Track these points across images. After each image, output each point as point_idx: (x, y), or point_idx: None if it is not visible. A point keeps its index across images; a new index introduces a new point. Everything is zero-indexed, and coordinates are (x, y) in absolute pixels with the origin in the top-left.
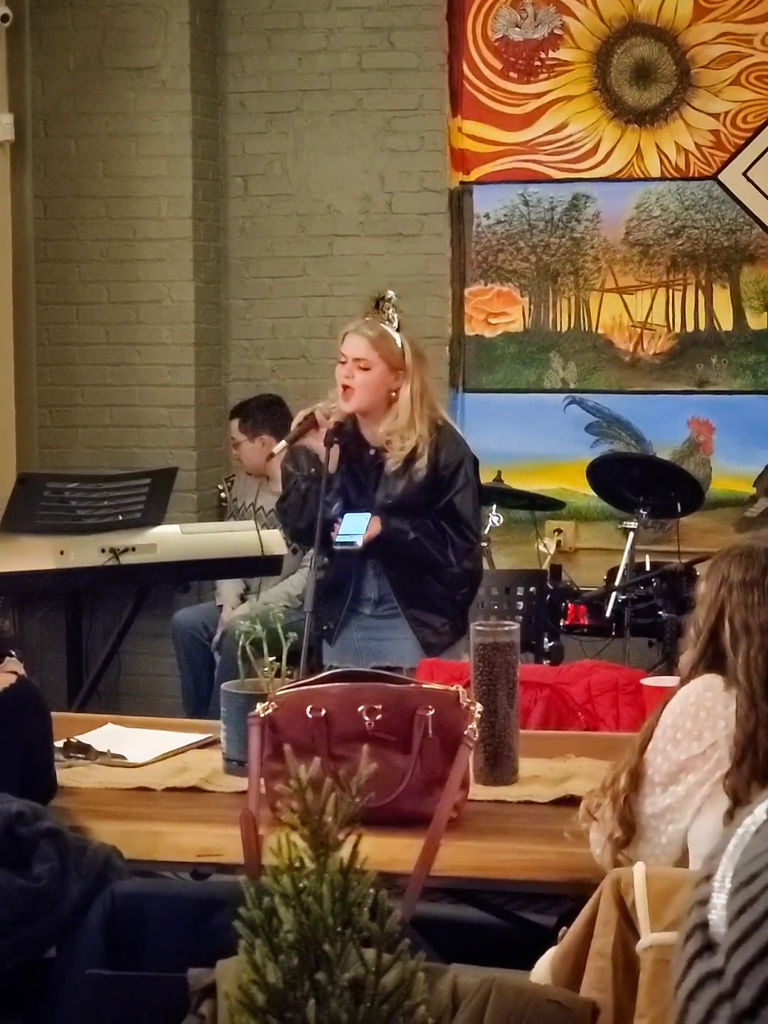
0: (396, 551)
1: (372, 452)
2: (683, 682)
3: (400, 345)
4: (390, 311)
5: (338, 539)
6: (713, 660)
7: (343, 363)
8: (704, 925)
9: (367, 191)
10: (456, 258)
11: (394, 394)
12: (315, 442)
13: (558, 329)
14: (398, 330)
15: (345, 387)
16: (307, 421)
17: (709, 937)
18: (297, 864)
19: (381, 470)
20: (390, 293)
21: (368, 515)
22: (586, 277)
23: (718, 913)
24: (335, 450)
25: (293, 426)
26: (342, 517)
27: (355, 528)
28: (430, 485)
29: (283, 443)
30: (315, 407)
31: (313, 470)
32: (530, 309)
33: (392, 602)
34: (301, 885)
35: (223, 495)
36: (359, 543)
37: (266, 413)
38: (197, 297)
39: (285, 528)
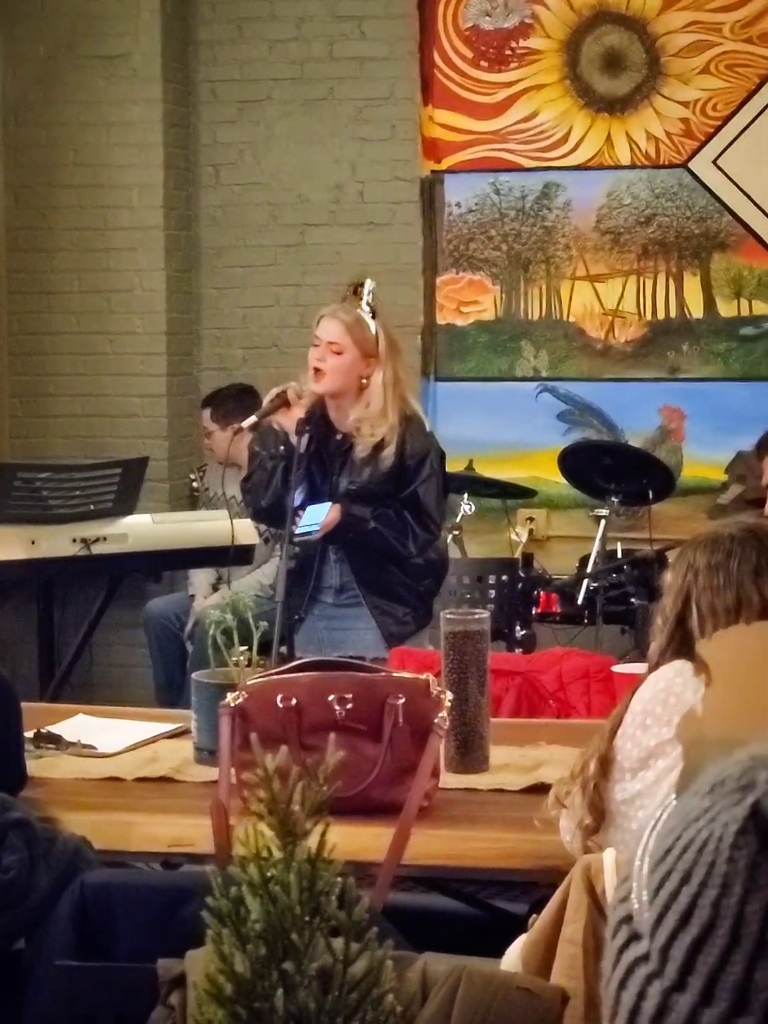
0: (355, 539)
1: (339, 437)
2: (652, 669)
3: (374, 332)
4: (368, 298)
5: (298, 530)
6: (681, 646)
7: (316, 346)
8: (627, 918)
9: (338, 180)
10: (428, 247)
11: (365, 381)
12: (285, 420)
13: (530, 317)
14: (374, 318)
15: (317, 369)
16: (278, 398)
17: (633, 928)
18: (265, 853)
19: (348, 455)
20: (369, 282)
21: (328, 505)
22: (557, 265)
23: (638, 900)
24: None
25: (265, 402)
26: (304, 509)
27: (314, 517)
28: (395, 474)
29: (252, 418)
30: (287, 385)
31: (282, 447)
32: (502, 297)
33: (354, 590)
34: (268, 874)
35: (195, 484)
36: (317, 532)
37: (238, 402)
38: (169, 286)
39: (248, 507)
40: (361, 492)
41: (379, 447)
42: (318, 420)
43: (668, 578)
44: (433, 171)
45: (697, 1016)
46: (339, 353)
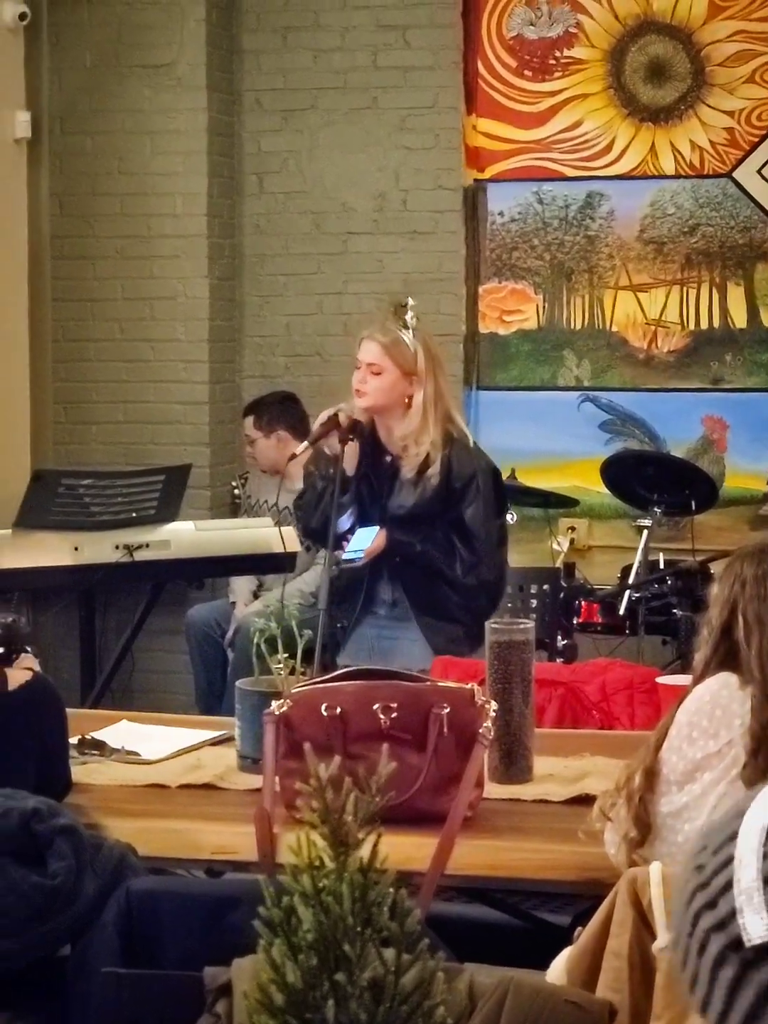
0: (404, 561)
1: (388, 458)
2: (697, 680)
3: (413, 351)
4: (408, 317)
5: (344, 556)
6: (727, 657)
7: (358, 368)
8: (703, 885)
9: (382, 188)
10: (470, 256)
11: (408, 400)
12: (337, 443)
13: (572, 327)
14: (414, 336)
15: (358, 391)
16: (329, 422)
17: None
18: (317, 863)
19: (396, 477)
20: (410, 300)
21: (375, 529)
22: (600, 275)
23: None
24: (352, 449)
25: (315, 427)
26: (352, 534)
27: (360, 543)
28: (442, 497)
29: (305, 444)
30: (338, 408)
31: (331, 470)
32: (544, 306)
33: (404, 606)
34: (321, 884)
35: (237, 492)
36: (361, 558)
37: (280, 410)
38: (212, 294)
39: (298, 525)
40: (409, 517)
41: (424, 468)
42: (365, 433)
43: (715, 589)
44: (476, 180)
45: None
46: (378, 374)
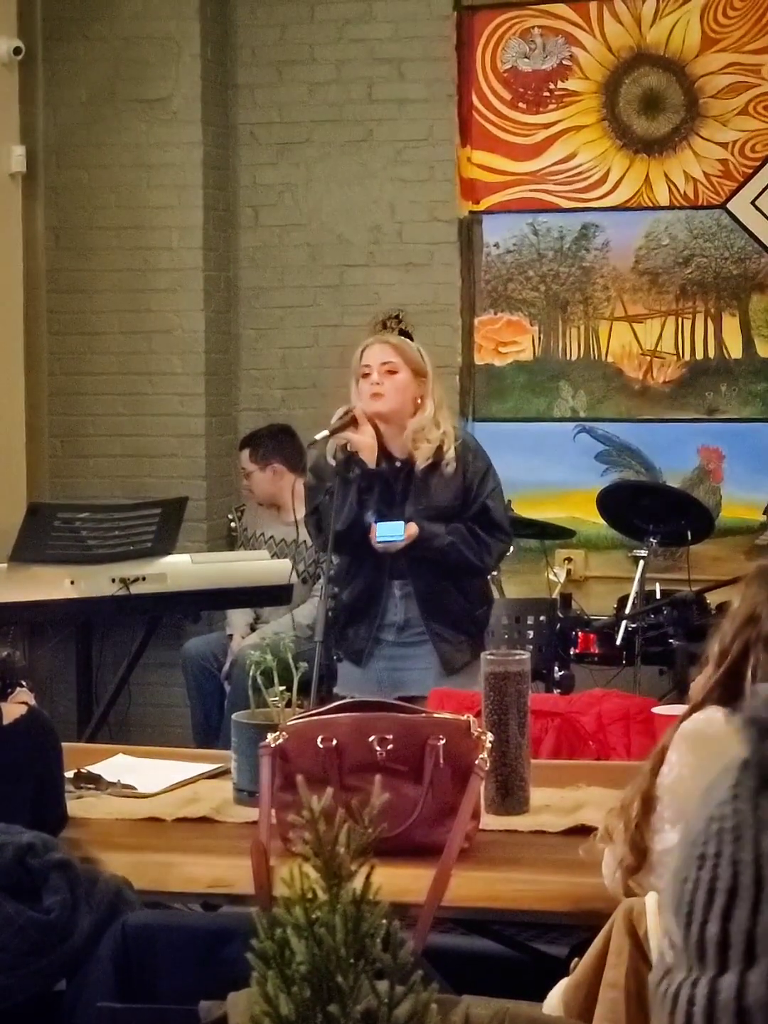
0: (433, 556)
1: (398, 463)
2: (694, 707)
3: (419, 353)
4: (394, 327)
5: (379, 538)
6: (729, 681)
7: (367, 375)
8: (667, 970)
9: (377, 221)
10: (466, 287)
11: (419, 400)
12: (354, 436)
13: (568, 357)
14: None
15: (376, 394)
16: (347, 416)
17: (667, 965)
18: (310, 895)
19: (410, 478)
20: (397, 312)
21: (402, 522)
22: (596, 306)
23: (669, 937)
24: (371, 441)
25: (334, 419)
26: (376, 524)
27: (393, 531)
28: (461, 492)
29: (324, 432)
30: (355, 404)
31: (355, 470)
32: (540, 338)
33: (417, 627)
34: (314, 916)
35: (233, 525)
36: (401, 540)
37: (276, 442)
38: (208, 327)
39: (318, 536)
40: (429, 512)
41: (437, 463)
42: (354, 453)
43: (734, 605)
44: (471, 212)
45: (744, 984)
46: (394, 372)
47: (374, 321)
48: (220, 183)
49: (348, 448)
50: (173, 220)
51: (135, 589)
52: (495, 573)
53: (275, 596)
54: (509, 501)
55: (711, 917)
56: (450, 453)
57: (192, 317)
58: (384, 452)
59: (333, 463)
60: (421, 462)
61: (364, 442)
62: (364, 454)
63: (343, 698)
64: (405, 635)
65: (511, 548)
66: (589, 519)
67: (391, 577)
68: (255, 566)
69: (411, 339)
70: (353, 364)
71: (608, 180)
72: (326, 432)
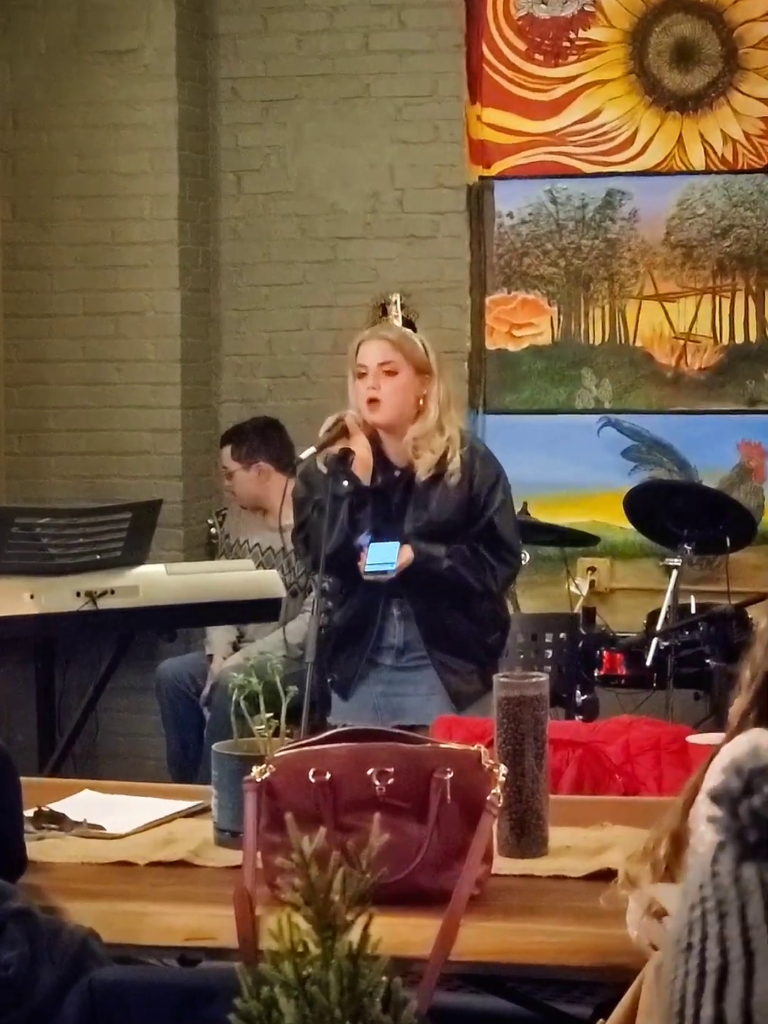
0: (429, 581)
1: (397, 473)
2: (731, 734)
3: (422, 346)
4: (398, 312)
5: (368, 568)
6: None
7: (362, 375)
8: None
9: (375, 188)
10: (476, 263)
11: (422, 402)
12: (348, 446)
13: (591, 342)
14: (415, 332)
15: (372, 400)
16: (337, 427)
17: None
18: (300, 949)
19: (410, 489)
20: (395, 296)
21: (397, 544)
22: (622, 283)
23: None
24: (365, 455)
25: (322, 432)
26: (368, 546)
27: (385, 556)
28: (466, 505)
29: (310, 449)
30: (346, 412)
31: (347, 483)
32: (559, 319)
33: (418, 650)
34: (305, 972)
35: (213, 531)
36: (392, 571)
37: (262, 438)
38: (184, 308)
39: (305, 557)
40: (431, 530)
41: (440, 474)
42: (348, 466)
43: (763, 624)
44: (481, 177)
45: None
46: (393, 373)
47: (373, 305)
48: (198, 146)
49: (343, 458)
50: (144, 187)
51: (103, 604)
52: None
53: (261, 611)
54: (524, 504)
55: (704, 1000)
56: (455, 462)
57: (166, 297)
58: (381, 460)
59: (325, 473)
60: (422, 473)
61: (361, 456)
62: (358, 470)
63: (337, 726)
64: (404, 659)
65: (520, 569)
66: (615, 523)
67: (388, 596)
68: (238, 577)
69: (414, 328)
70: (349, 358)
71: (636, 141)
72: (313, 449)
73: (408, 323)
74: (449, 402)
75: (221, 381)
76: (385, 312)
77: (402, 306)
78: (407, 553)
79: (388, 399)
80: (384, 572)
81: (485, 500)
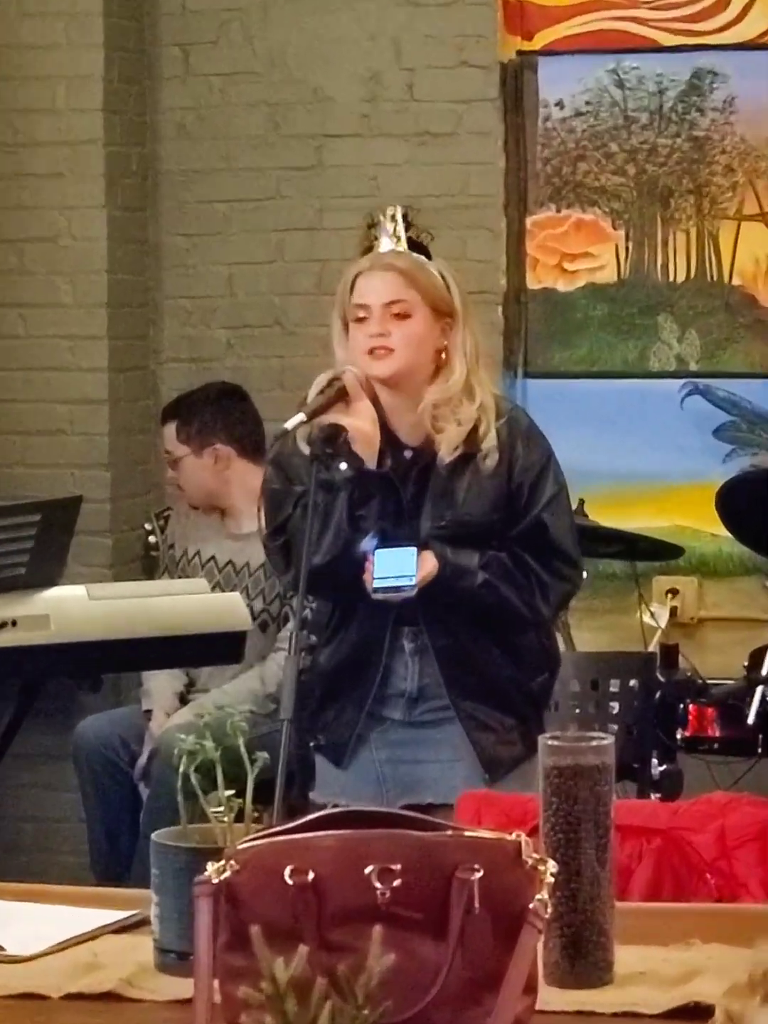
0: (455, 602)
1: (410, 453)
2: None
3: (442, 279)
4: (397, 234)
5: (377, 583)
6: None
7: (362, 320)
8: None
9: (375, 67)
10: (512, 171)
11: (443, 354)
12: (343, 419)
13: (672, 278)
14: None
15: (376, 347)
16: (333, 389)
17: None
18: None
19: (429, 475)
20: (396, 209)
21: (412, 550)
22: (714, 198)
23: None
24: (371, 426)
25: (312, 395)
26: (374, 554)
27: (399, 567)
28: (505, 498)
29: (298, 416)
30: (343, 369)
31: (344, 466)
32: (628, 249)
33: (438, 699)
34: None
35: (152, 540)
36: (411, 587)
37: (219, 412)
38: (112, 233)
39: (289, 572)
40: (455, 530)
41: (470, 455)
42: (340, 446)
43: None
44: (520, 52)
45: None
46: (405, 315)
47: (366, 223)
48: (131, 11)
49: (338, 437)
50: (58, 66)
51: (2, 639)
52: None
53: (218, 650)
54: (580, 502)
55: None
56: (490, 438)
57: (88, 218)
58: (389, 438)
59: (309, 456)
60: (447, 452)
61: (361, 429)
62: (360, 447)
63: (325, 806)
64: (419, 712)
65: (580, 583)
66: (705, 528)
67: (398, 624)
68: (187, 603)
69: (428, 255)
70: (340, 297)
71: (732, 2)
72: (302, 416)
73: (418, 246)
74: (478, 358)
75: (163, 334)
76: (378, 233)
77: (408, 223)
78: (430, 562)
79: (401, 349)
80: (400, 589)
81: (531, 491)
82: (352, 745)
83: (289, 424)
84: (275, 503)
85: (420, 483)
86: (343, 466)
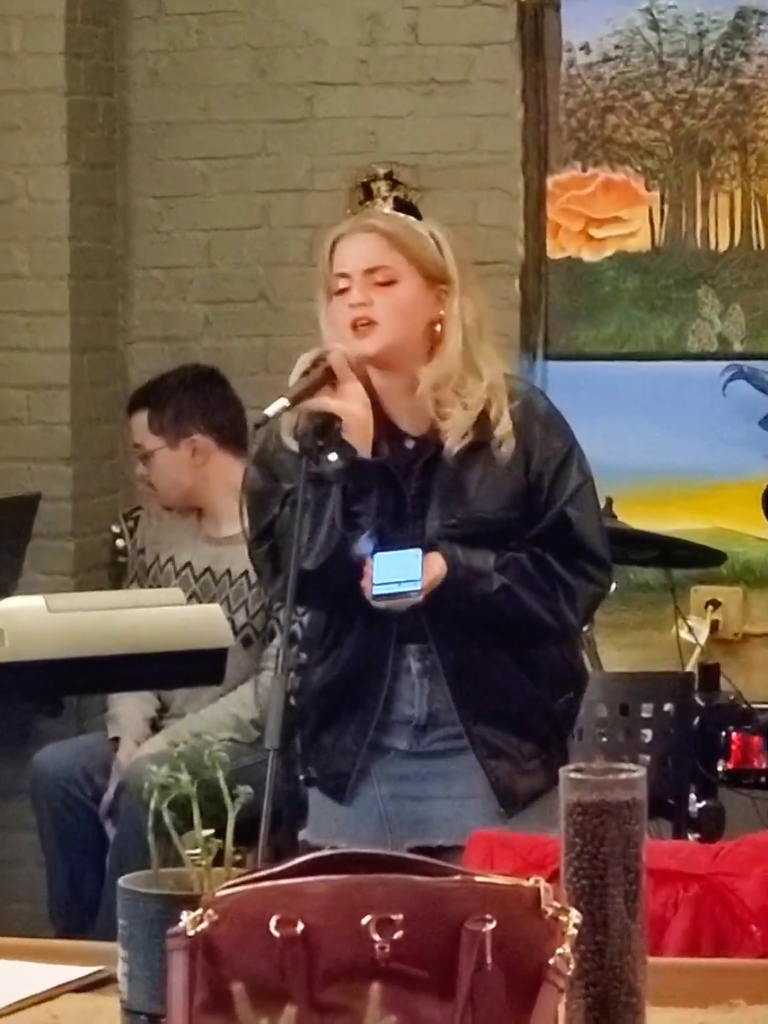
0: (468, 610)
1: (411, 443)
2: None
3: (433, 241)
4: (383, 194)
5: (378, 589)
6: None
7: (343, 290)
8: None
9: (372, 7)
10: (532, 123)
11: (438, 327)
12: (331, 403)
13: (713, 247)
14: (425, 222)
15: (359, 321)
16: (321, 372)
17: None
18: None
19: (434, 467)
20: (382, 170)
21: (419, 551)
22: (761, 155)
23: None
24: (364, 411)
25: (295, 377)
26: (373, 557)
27: (403, 571)
28: (522, 491)
29: (280, 402)
30: (329, 347)
31: (335, 456)
32: (663, 212)
33: (448, 725)
34: None
35: (120, 544)
36: (417, 592)
37: (196, 399)
38: (75, 194)
39: (278, 579)
40: (466, 528)
41: (482, 443)
42: (332, 436)
43: None
44: None
45: None
46: (391, 282)
47: (352, 186)
48: None
49: (330, 427)
50: (11, 3)
51: None
52: (586, 629)
53: (195, 669)
54: (608, 500)
55: None
56: (503, 423)
57: (47, 176)
58: (387, 427)
59: (297, 449)
60: (454, 441)
61: (352, 413)
62: (352, 434)
63: (318, 848)
64: (429, 740)
65: (610, 586)
66: (750, 532)
67: (403, 641)
68: (160, 617)
69: (418, 215)
70: (321, 266)
71: None
72: (284, 401)
73: (406, 206)
74: (481, 330)
75: (132, 309)
76: (369, 194)
77: (395, 182)
78: (437, 564)
79: (385, 320)
80: (405, 594)
81: (552, 483)
82: (352, 780)
83: (270, 410)
84: (260, 504)
85: (425, 477)
86: (333, 457)
